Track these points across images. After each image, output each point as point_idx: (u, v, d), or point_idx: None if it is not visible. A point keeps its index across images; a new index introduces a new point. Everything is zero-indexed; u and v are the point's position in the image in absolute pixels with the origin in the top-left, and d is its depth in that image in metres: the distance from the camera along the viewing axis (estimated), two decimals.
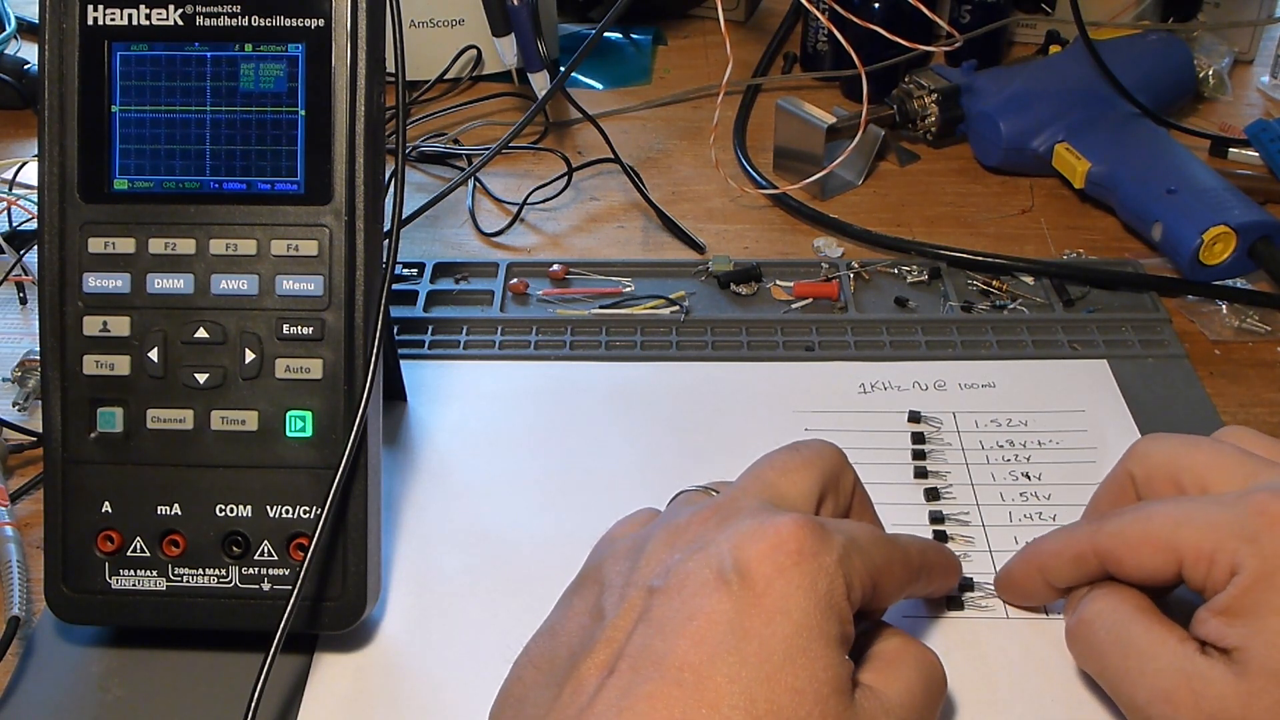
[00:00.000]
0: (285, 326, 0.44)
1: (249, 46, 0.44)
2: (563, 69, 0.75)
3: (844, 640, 0.35)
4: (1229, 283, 0.65)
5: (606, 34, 0.92)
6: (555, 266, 0.66)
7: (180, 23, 0.44)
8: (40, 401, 0.53)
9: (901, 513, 0.51)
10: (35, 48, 0.48)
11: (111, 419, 0.44)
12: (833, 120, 0.73)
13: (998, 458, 0.53)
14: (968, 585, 0.47)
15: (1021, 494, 0.51)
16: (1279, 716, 0.35)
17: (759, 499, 0.38)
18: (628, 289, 0.65)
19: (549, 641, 0.37)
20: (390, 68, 0.44)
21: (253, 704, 0.38)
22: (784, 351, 0.60)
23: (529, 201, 0.74)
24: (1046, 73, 0.78)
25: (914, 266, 0.66)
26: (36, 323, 0.45)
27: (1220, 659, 0.37)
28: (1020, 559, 0.45)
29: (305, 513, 0.43)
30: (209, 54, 0.44)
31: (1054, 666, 0.44)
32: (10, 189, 0.72)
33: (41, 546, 0.44)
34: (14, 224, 0.70)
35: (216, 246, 0.44)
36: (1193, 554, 0.38)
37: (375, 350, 0.43)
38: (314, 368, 0.43)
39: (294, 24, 0.44)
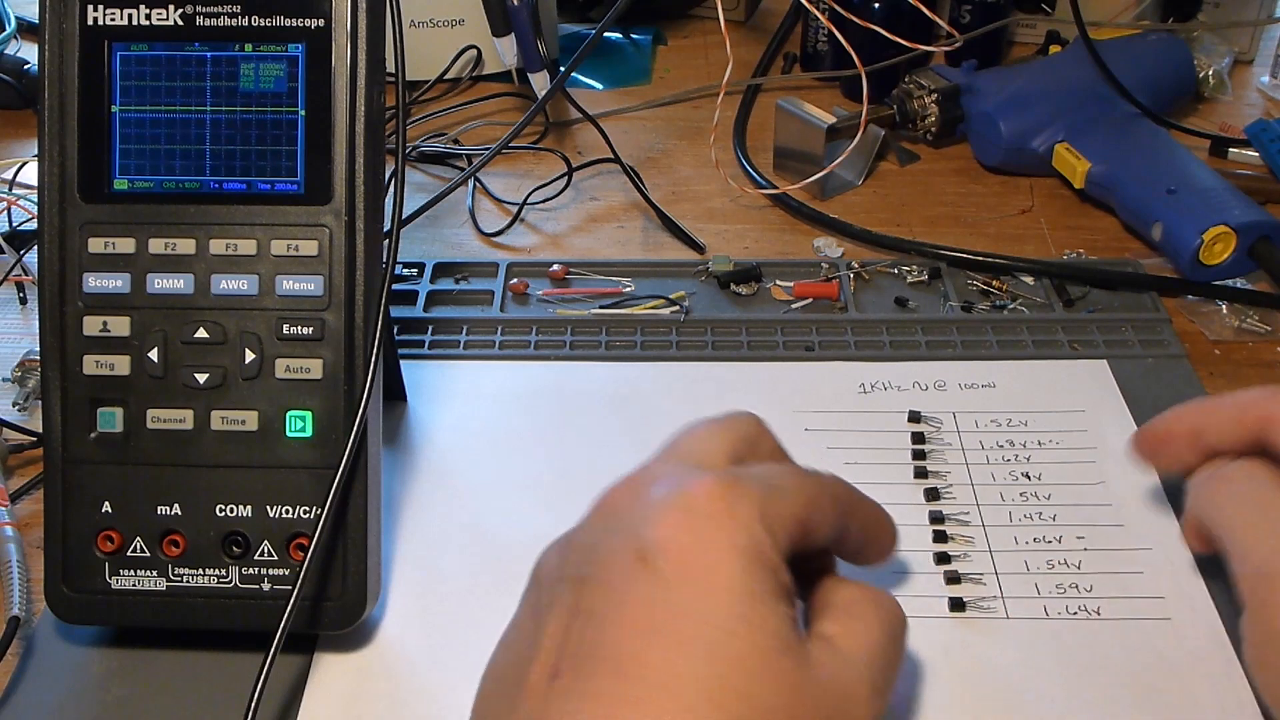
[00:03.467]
0: (285, 326, 0.44)
1: (249, 46, 0.44)
2: (563, 69, 0.75)
3: (779, 592, 0.34)
4: (1229, 283, 0.65)
5: (606, 34, 0.92)
6: (555, 266, 0.66)
7: (180, 23, 0.44)
8: (40, 401, 0.53)
9: (901, 513, 0.50)
10: (35, 48, 0.48)
11: (111, 419, 0.44)
12: (833, 120, 0.73)
13: (998, 458, 0.53)
14: (957, 600, 0.47)
15: (1021, 494, 0.51)
16: None
17: (673, 463, 0.38)
18: (628, 289, 0.65)
19: (503, 653, 0.37)
20: (390, 68, 0.44)
21: (253, 704, 0.38)
22: (784, 351, 0.60)
23: (529, 201, 0.74)
24: (1046, 73, 0.78)
25: (914, 266, 0.66)
26: (36, 323, 0.45)
27: None
28: (1174, 414, 0.45)
29: (305, 513, 0.43)
30: (209, 54, 0.44)
31: (1054, 666, 0.44)
32: (10, 189, 0.72)
33: (41, 546, 0.44)
34: (14, 224, 0.70)
35: (216, 246, 0.44)
36: None
37: (375, 350, 0.43)
38: (314, 368, 0.43)
39: (294, 24, 0.44)
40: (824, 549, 0.40)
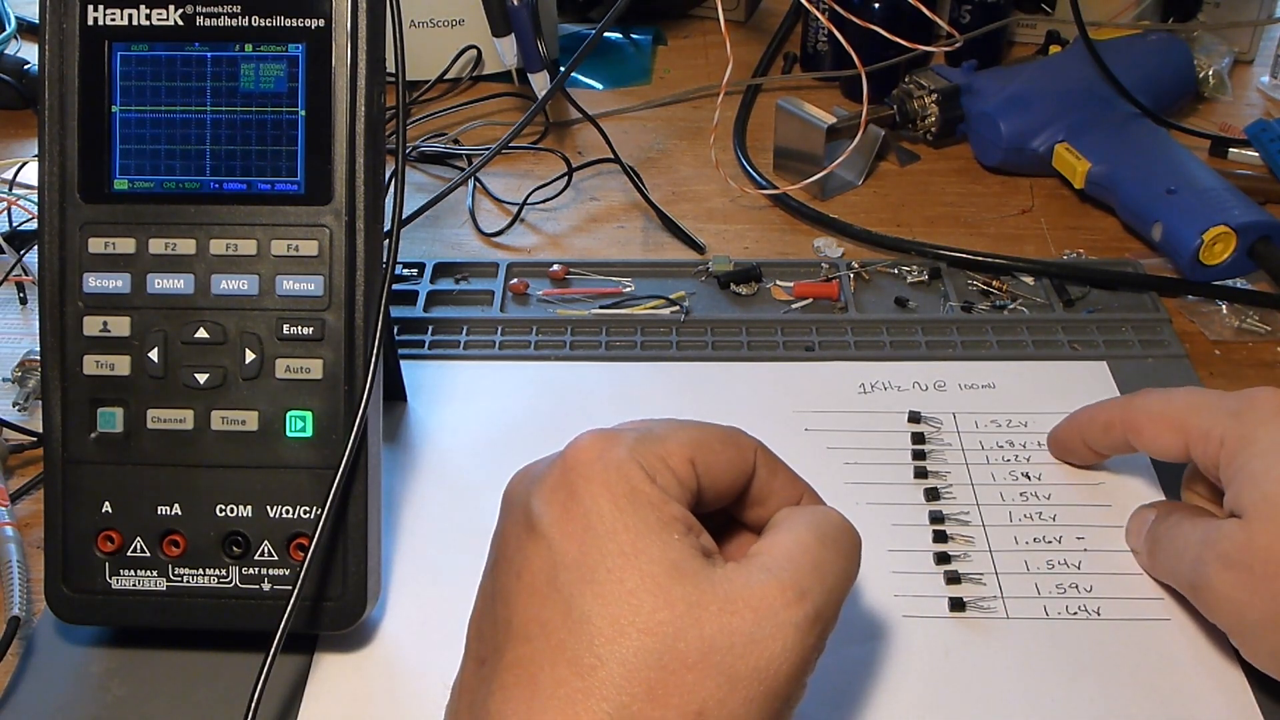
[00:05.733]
0: (285, 326, 0.44)
1: (249, 46, 0.44)
2: (563, 69, 0.75)
3: (667, 524, 0.34)
4: (1229, 283, 0.65)
5: (606, 34, 0.92)
6: (555, 266, 0.66)
7: (180, 23, 0.44)
8: (40, 401, 0.53)
9: (901, 513, 0.51)
10: (35, 48, 0.48)
11: (111, 419, 0.44)
12: (833, 120, 0.73)
13: (998, 458, 0.53)
14: (957, 600, 0.47)
15: (1021, 494, 0.51)
16: (1275, 540, 0.40)
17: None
18: (628, 289, 0.65)
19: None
20: (390, 68, 0.44)
21: (253, 704, 0.38)
22: (784, 351, 0.60)
23: (529, 201, 0.74)
24: (1046, 73, 0.78)
25: (914, 266, 0.66)
26: (36, 323, 0.45)
27: (1232, 518, 0.42)
28: (1066, 421, 0.52)
29: (305, 513, 0.43)
30: (209, 54, 0.44)
31: (1054, 666, 0.44)
32: (10, 189, 0.72)
33: (41, 546, 0.44)
34: (14, 224, 0.70)
35: (217, 247, 0.44)
36: (1195, 433, 0.45)
37: (375, 350, 0.43)
38: (314, 368, 0.43)
39: (294, 24, 0.44)
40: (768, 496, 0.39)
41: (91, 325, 0.44)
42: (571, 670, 0.32)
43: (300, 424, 0.43)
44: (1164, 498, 0.51)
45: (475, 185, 0.76)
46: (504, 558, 0.36)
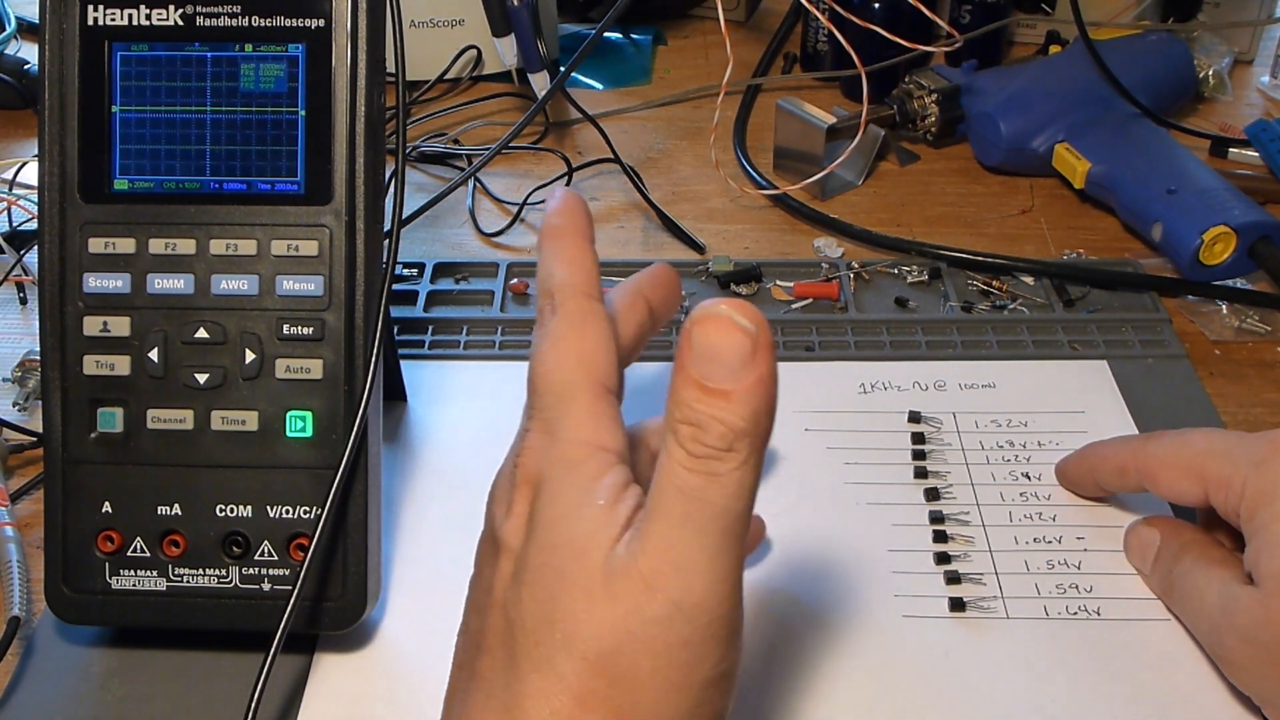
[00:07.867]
0: (285, 326, 0.44)
1: (249, 46, 0.44)
2: (563, 69, 0.75)
3: (609, 521, 0.33)
4: (1229, 283, 0.65)
5: (606, 34, 0.92)
6: None
7: (180, 23, 0.44)
8: (40, 401, 0.53)
9: (901, 513, 0.51)
10: (35, 48, 0.48)
11: (111, 419, 0.44)
12: (833, 120, 0.73)
13: (998, 458, 0.53)
14: (957, 600, 0.47)
15: (1021, 494, 0.51)
16: None
17: (528, 424, 0.37)
18: None
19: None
20: (390, 68, 0.44)
21: (253, 704, 0.38)
22: (784, 351, 0.60)
23: (529, 201, 0.74)
24: (1046, 73, 0.78)
25: (914, 266, 0.66)
26: (36, 323, 0.45)
27: (1251, 588, 0.41)
28: (1077, 457, 0.51)
29: (305, 513, 0.43)
30: (209, 54, 0.44)
31: (1054, 666, 0.44)
32: (10, 189, 0.72)
33: (41, 546, 0.44)
34: (14, 224, 0.70)
35: (217, 247, 0.44)
36: (1215, 481, 0.43)
37: (375, 350, 0.43)
38: (314, 368, 0.44)
39: (294, 24, 0.44)
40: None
41: (91, 325, 0.44)
42: (515, 677, 0.32)
43: (300, 424, 0.43)
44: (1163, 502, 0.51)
45: (475, 185, 0.76)
46: (475, 568, 0.37)
